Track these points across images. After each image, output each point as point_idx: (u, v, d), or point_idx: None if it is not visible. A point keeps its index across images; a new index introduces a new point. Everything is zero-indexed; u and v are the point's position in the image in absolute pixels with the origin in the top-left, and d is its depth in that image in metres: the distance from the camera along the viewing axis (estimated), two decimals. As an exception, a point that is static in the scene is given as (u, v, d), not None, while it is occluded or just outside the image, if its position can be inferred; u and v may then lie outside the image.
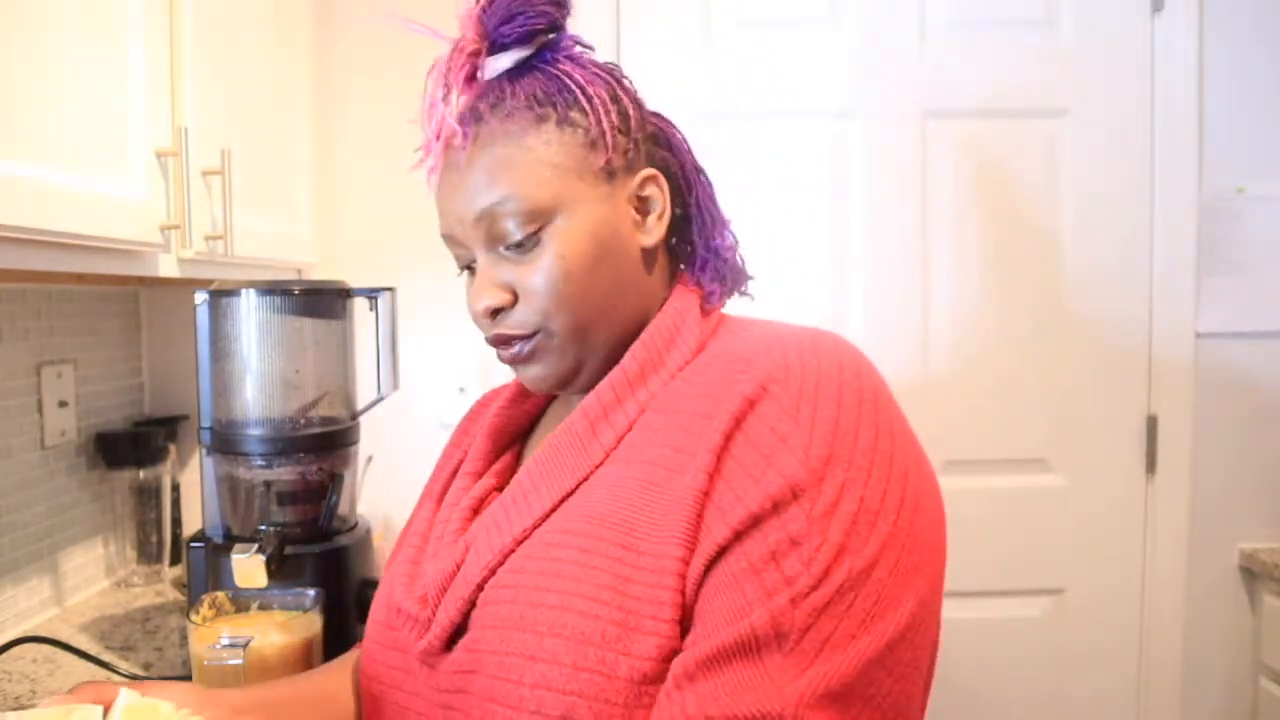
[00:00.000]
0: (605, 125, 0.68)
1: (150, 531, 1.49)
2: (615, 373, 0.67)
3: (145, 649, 1.21)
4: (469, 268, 0.73)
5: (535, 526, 0.63)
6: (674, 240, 0.75)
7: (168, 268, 1.06)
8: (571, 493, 0.64)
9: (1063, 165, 1.77)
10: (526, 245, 0.67)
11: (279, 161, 1.42)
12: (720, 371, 0.62)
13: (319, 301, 1.05)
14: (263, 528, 0.96)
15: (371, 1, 1.71)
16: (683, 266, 0.75)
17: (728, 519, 0.56)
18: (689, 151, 0.77)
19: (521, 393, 0.79)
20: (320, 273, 1.63)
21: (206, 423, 1.01)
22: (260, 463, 0.99)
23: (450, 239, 0.72)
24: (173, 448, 1.54)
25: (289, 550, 0.96)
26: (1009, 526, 1.80)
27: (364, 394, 1.11)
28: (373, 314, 1.09)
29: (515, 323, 0.68)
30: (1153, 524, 1.80)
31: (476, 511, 0.72)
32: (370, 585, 1.03)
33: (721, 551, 0.56)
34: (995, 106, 1.75)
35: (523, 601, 0.59)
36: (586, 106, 0.68)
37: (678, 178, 0.75)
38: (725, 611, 0.55)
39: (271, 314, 1.00)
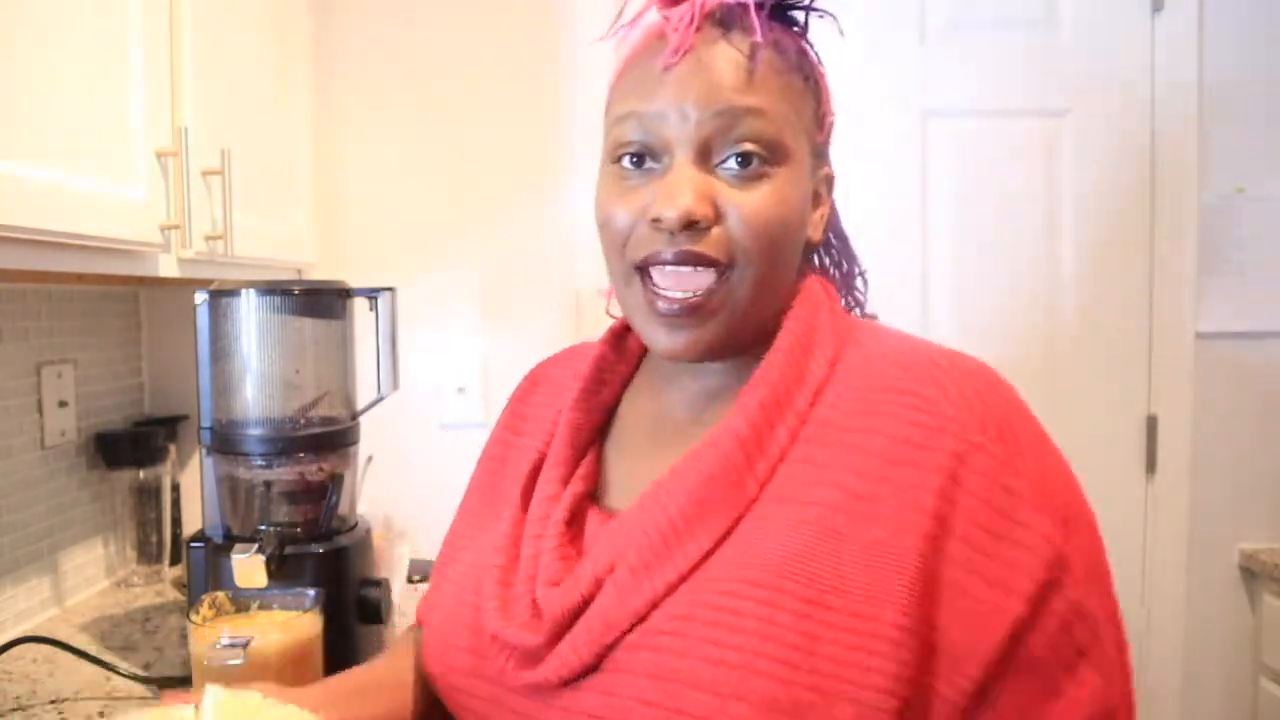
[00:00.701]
0: (826, 110, 0.66)
1: (150, 531, 1.49)
2: (763, 393, 0.59)
3: (145, 649, 1.21)
4: (637, 158, 0.61)
5: (692, 570, 0.55)
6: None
7: (168, 268, 1.06)
8: (730, 532, 0.56)
9: (1063, 165, 1.77)
10: (747, 172, 0.59)
11: (279, 161, 1.42)
12: (880, 399, 0.57)
13: (319, 301, 1.05)
14: (263, 528, 0.96)
15: (372, 1, 1.71)
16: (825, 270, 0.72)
17: (1008, 589, 0.51)
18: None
19: (594, 385, 0.70)
20: (320, 273, 1.63)
21: (206, 423, 1.01)
22: (260, 463, 0.99)
23: (652, 119, 0.60)
24: (173, 448, 1.54)
25: (289, 550, 0.96)
26: (1009, 526, 1.80)
27: (364, 394, 1.11)
28: (373, 314, 1.09)
29: (714, 243, 0.58)
30: (1153, 524, 1.80)
31: (570, 524, 0.64)
32: (371, 585, 1.03)
33: (1020, 627, 0.51)
34: (995, 106, 1.75)
35: (694, 656, 0.52)
36: (822, 85, 0.65)
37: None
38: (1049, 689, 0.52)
39: (271, 314, 1.00)
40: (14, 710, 1.02)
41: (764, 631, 0.51)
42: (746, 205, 0.58)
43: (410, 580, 1.48)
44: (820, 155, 0.66)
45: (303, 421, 1.03)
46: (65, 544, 1.38)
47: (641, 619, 0.55)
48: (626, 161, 0.61)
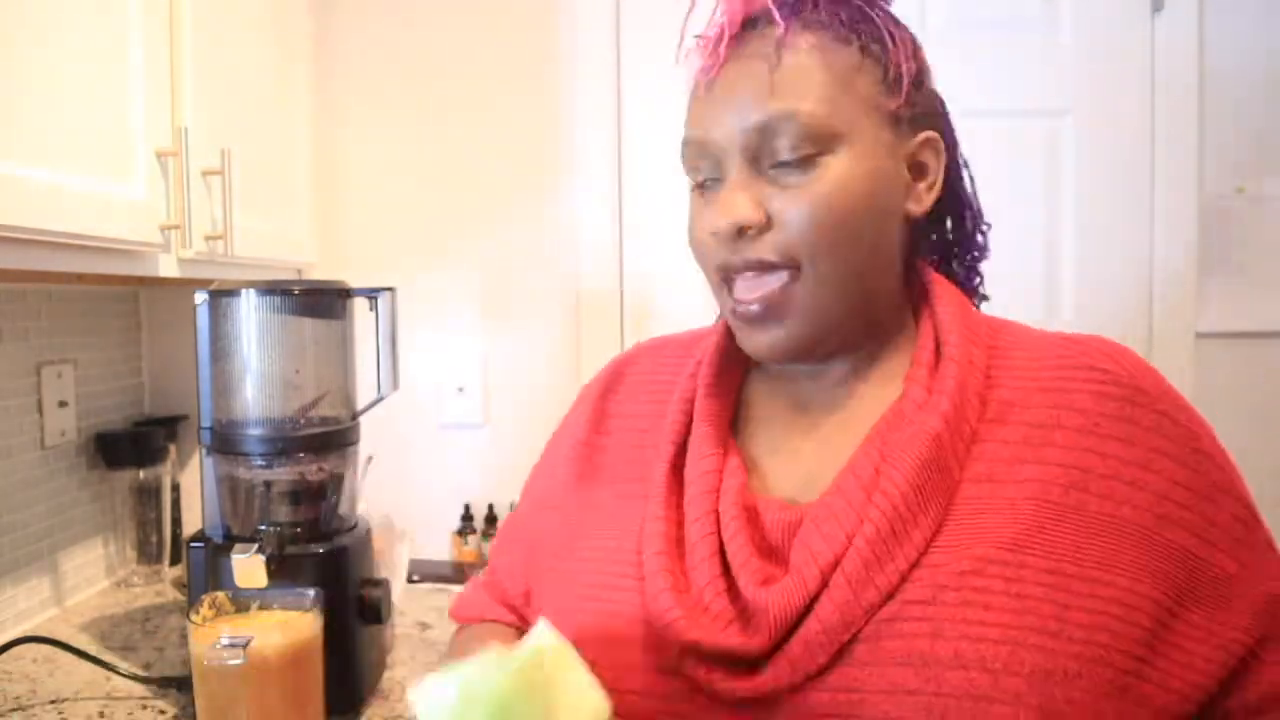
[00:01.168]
0: (905, 69, 0.62)
1: (150, 531, 1.49)
2: (952, 379, 0.59)
3: (145, 649, 1.21)
4: (701, 186, 0.63)
5: (921, 556, 0.54)
6: (938, 230, 0.69)
7: (168, 268, 1.06)
8: (947, 515, 0.56)
9: (1063, 165, 1.77)
10: (799, 168, 0.58)
11: (279, 161, 1.42)
12: (1059, 377, 0.60)
13: (319, 301, 1.04)
14: (263, 528, 0.96)
15: (372, 1, 1.71)
16: (930, 257, 0.68)
17: (1214, 544, 0.55)
18: (955, 141, 0.70)
19: (719, 377, 0.68)
20: (320, 273, 1.63)
21: (206, 423, 1.00)
22: (260, 463, 0.99)
23: (700, 144, 0.62)
24: (173, 448, 1.54)
25: (289, 550, 0.96)
26: (1009, 526, 1.80)
27: (364, 394, 1.11)
28: (373, 314, 1.09)
29: (769, 246, 0.59)
30: (1153, 524, 1.80)
31: (750, 519, 0.60)
32: (371, 585, 1.03)
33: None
34: (995, 106, 1.75)
35: (950, 636, 0.51)
36: (890, 43, 0.62)
37: (956, 168, 0.69)
38: None
39: (271, 314, 1.00)
40: (14, 710, 1.02)
41: (1017, 605, 0.51)
42: (795, 209, 0.58)
43: (410, 580, 1.48)
44: (905, 121, 0.63)
45: (303, 421, 1.03)
46: (65, 544, 1.38)
47: (875, 610, 0.54)
48: (693, 186, 0.64)
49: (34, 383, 1.32)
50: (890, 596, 0.54)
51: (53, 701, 1.04)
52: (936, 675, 0.51)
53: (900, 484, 0.55)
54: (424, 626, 1.31)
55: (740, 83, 0.60)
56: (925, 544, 0.55)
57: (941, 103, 0.70)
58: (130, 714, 1.01)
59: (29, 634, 1.17)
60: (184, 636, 1.20)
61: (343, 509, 1.05)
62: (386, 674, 1.12)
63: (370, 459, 1.20)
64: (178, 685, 1.06)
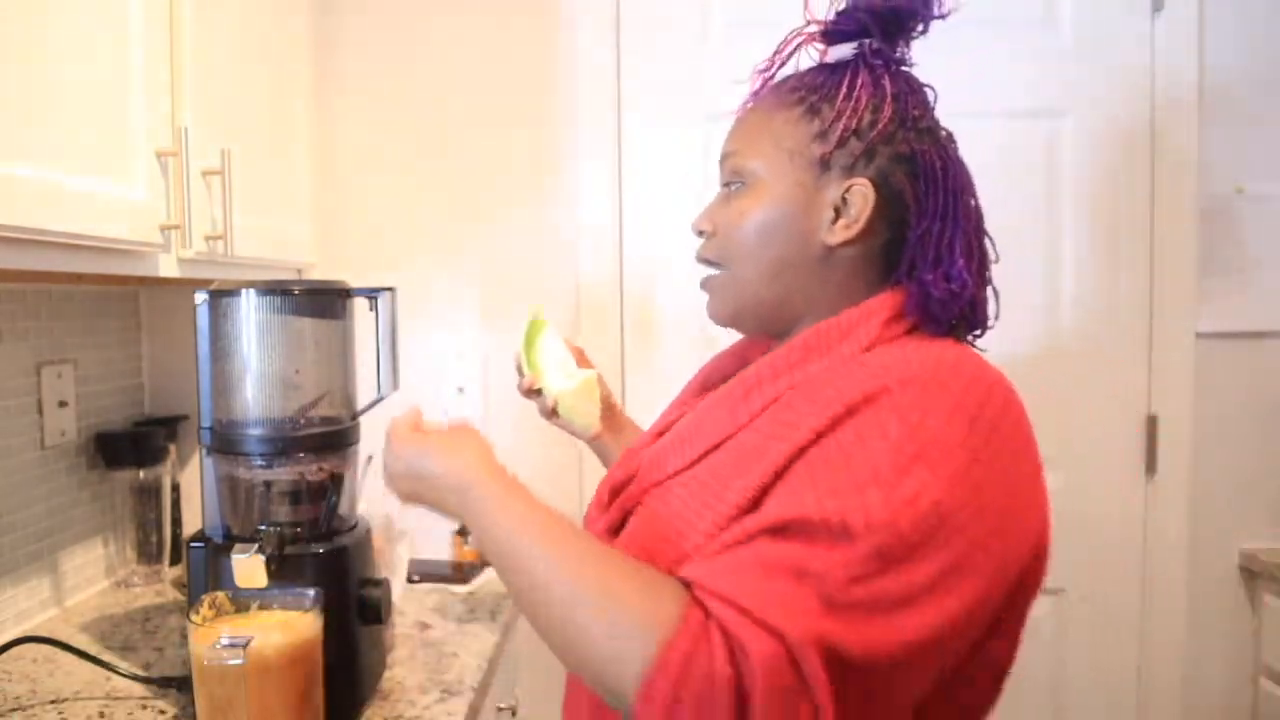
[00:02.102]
0: (842, 124, 0.76)
1: (150, 531, 1.49)
2: (780, 351, 0.76)
3: (145, 649, 1.21)
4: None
5: (681, 471, 0.74)
6: (900, 260, 0.78)
7: (168, 268, 1.06)
8: (714, 449, 0.73)
9: (1063, 165, 1.77)
10: (735, 194, 0.80)
11: (279, 161, 1.42)
12: (862, 371, 0.68)
13: (319, 301, 1.04)
14: (263, 528, 0.96)
15: (372, 1, 1.71)
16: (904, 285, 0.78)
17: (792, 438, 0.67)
18: (946, 192, 0.78)
19: (738, 347, 0.94)
20: (320, 273, 1.63)
21: (206, 423, 1.00)
22: (260, 463, 0.99)
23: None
24: (173, 448, 1.54)
25: (289, 550, 0.96)
26: (1009, 526, 1.80)
27: (364, 394, 1.11)
28: (373, 314, 1.09)
29: (707, 251, 0.83)
30: (1153, 524, 1.80)
31: (655, 442, 0.83)
32: (371, 585, 1.03)
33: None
34: (995, 106, 1.75)
35: (671, 510, 0.73)
36: (839, 103, 0.76)
37: (908, 206, 0.77)
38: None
39: (271, 314, 1.00)
40: (14, 710, 1.02)
41: (708, 514, 0.69)
42: (725, 220, 0.81)
43: (410, 580, 1.48)
44: (843, 169, 0.76)
45: (303, 421, 1.03)
46: (65, 544, 1.38)
47: (645, 493, 0.77)
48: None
49: (34, 383, 1.32)
50: (659, 485, 0.76)
51: (53, 701, 1.04)
52: (658, 529, 0.72)
53: (694, 414, 0.80)
54: (424, 626, 1.31)
55: (730, 130, 0.84)
56: (690, 464, 0.74)
57: (921, 156, 0.78)
58: (130, 714, 1.01)
59: (29, 634, 1.17)
60: (184, 636, 1.20)
61: (343, 509, 1.05)
62: (386, 674, 1.12)
63: (370, 459, 1.20)
64: (178, 685, 1.06)
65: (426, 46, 1.71)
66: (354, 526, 1.06)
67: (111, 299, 1.53)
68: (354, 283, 1.09)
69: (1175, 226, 1.76)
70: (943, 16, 0.85)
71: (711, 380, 0.91)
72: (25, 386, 1.30)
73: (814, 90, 0.77)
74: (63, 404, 1.37)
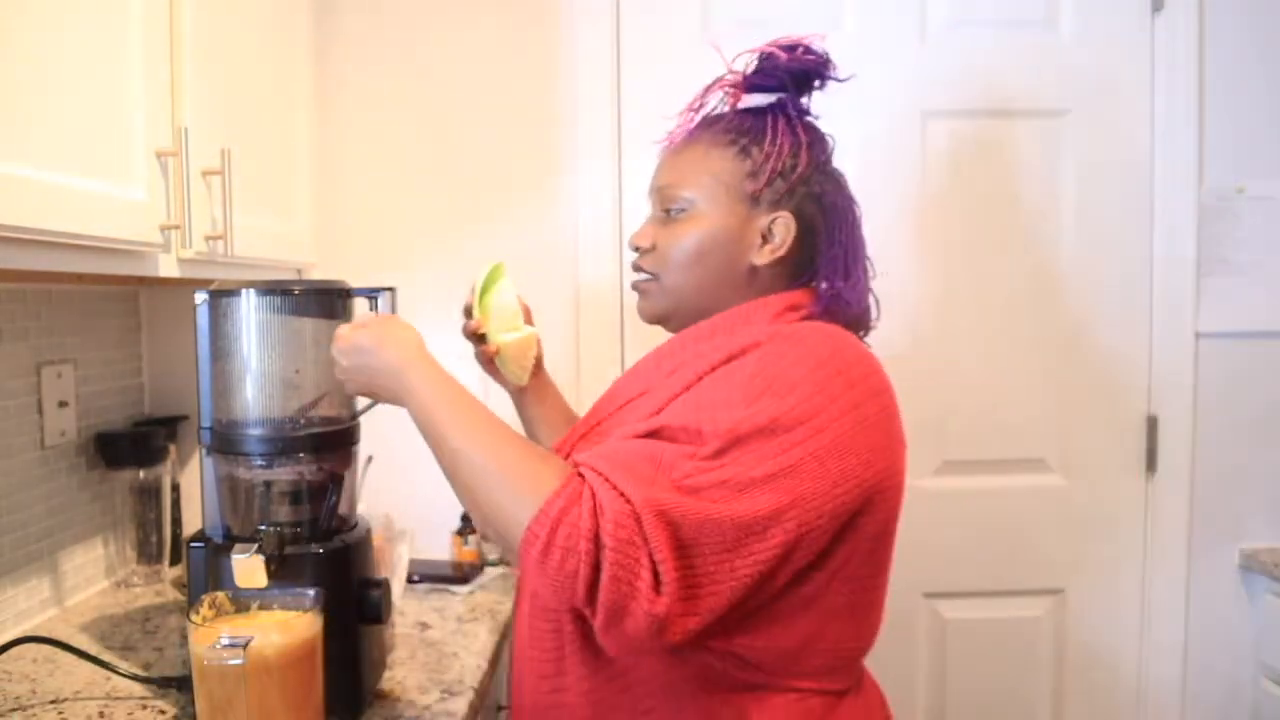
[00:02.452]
0: (769, 166, 0.91)
1: (150, 531, 1.49)
2: (689, 330, 0.94)
3: (145, 649, 1.21)
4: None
5: (600, 422, 0.94)
6: (806, 279, 0.94)
7: (168, 268, 1.06)
8: (627, 403, 0.92)
9: (1063, 165, 1.77)
10: (674, 217, 0.94)
11: (279, 161, 1.42)
12: (747, 332, 0.86)
13: (319, 301, 1.04)
14: (263, 528, 0.96)
15: (372, 1, 1.71)
16: (816, 290, 0.94)
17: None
18: (851, 222, 0.97)
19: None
20: (320, 273, 1.62)
21: (206, 423, 1.00)
22: (260, 463, 0.99)
23: (649, 193, 1.00)
24: (173, 448, 1.54)
25: (289, 550, 0.96)
26: (1009, 526, 1.80)
27: (364, 394, 1.10)
28: (373, 314, 1.09)
29: (646, 263, 0.97)
30: (1153, 524, 1.80)
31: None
32: (371, 585, 1.03)
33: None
34: (995, 106, 1.75)
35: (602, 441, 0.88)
36: (767, 148, 0.92)
37: (819, 234, 0.94)
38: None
39: (271, 314, 1.00)
40: (14, 710, 1.02)
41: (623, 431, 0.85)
42: (664, 241, 0.95)
43: (410, 580, 1.48)
44: (764, 201, 0.92)
45: (303, 421, 1.03)
46: (65, 544, 1.38)
47: (580, 440, 0.94)
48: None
49: (34, 383, 1.32)
50: (596, 426, 0.93)
51: (53, 701, 1.04)
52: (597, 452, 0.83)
53: (620, 381, 0.99)
54: (424, 626, 1.31)
55: (665, 160, 0.99)
56: (618, 408, 0.93)
57: (831, 195, 0.95)
58: (130, 714, 1.01)
59: (29, 634, 1.17)
60: (184, 636, 1.20)
61: (343, 509, 1.05)
62: (386, 674, 1.12)
63: (370, 459, 1.20)
64: (178, 685, 1.06)
65: (427, 46, 1.71)
66: (354, 526, 1.06)
67: (111, 299, 1.53)
68: (354, 283, 1.09)
69: (1175, 226, 1.76)
70: (841, 80, 0.98)
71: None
72: (25, 386, 1.30)
73: (744, 134, 0.93)
74: (63, 404, 1.37)
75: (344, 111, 1.70)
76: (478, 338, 1.09)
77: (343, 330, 0.92)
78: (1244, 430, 1.79)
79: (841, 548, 0.82)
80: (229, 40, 1.21)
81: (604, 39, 1.71)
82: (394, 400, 0.88)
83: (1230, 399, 1.78)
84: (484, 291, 1.08)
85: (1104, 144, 1.76)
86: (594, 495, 0.73)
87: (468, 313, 1.09)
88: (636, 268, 0.98)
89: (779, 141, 0.92)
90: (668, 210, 0.95)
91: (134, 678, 1.08)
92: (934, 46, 1.75)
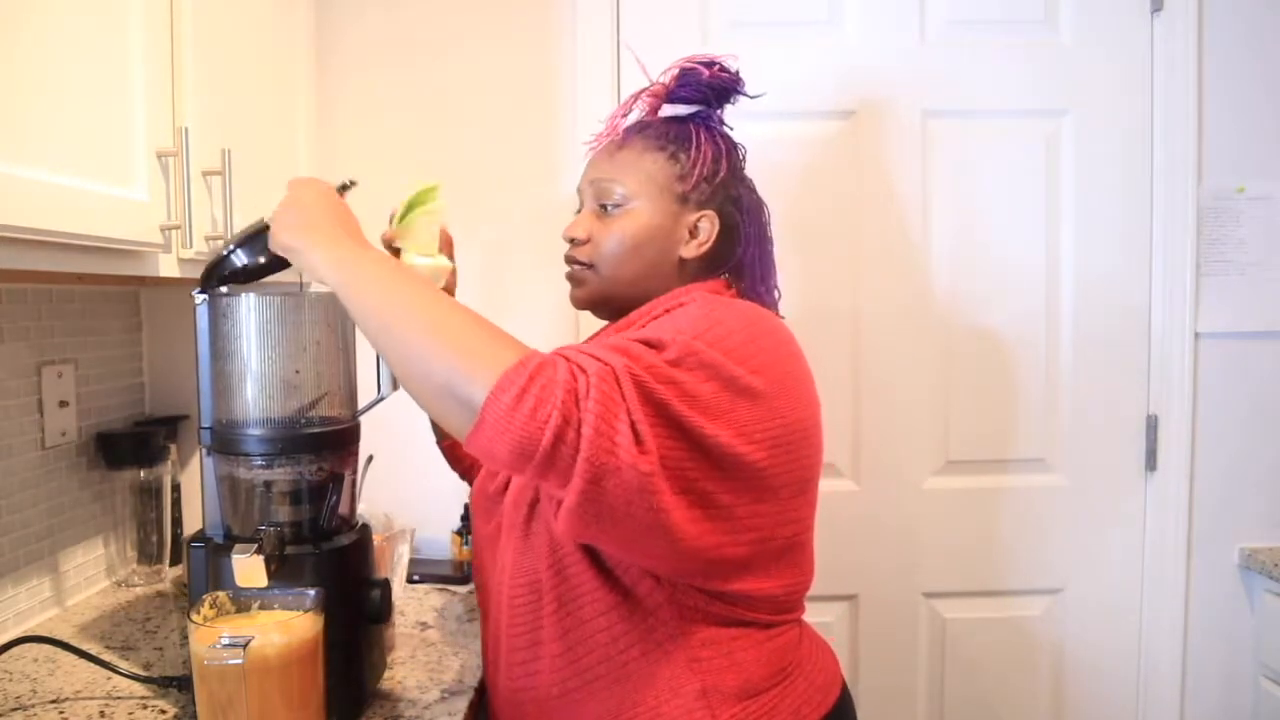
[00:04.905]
0: (697, 170, 1.02)
1: (151, 531, 1.49)
2: (622, 319, 1.03)
3: (145, 649, 1.21)
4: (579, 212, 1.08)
5: None
6: (726, 274, 1.06)
7: (168, 268, 1.06)
8: None
9: (1063, 165, 1.77)
10: (610, 211, 1.03)
11: (279, 161, 1.42)
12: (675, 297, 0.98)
13: (319, 302, 1.04)
14: (263, 528, 0.96)
15: (371, 1, 1.71)
16: (731, 284, 1.06)
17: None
18: (763, 223, 1.08)
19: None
20: (320, 273, 1.62)
21: (206, 423, 1.00)
22: (260, 463, 0.99)
23: (580, 189, 1.08)
24: (173, 448, 1.54)
25: (289, 550, 0.96)
26: (1009, 526, 1.80)
27: (364, 394, 1.11)
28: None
29: (582, 253, 1.05)
30: (1153, 524, 1.80)
31: None
32: (371, 585, 1.03)
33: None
34: (995, 106, 1.75)
35: None
36: (694, 154, 1.02)
37: (737, 233, 1.05)
38: None
39: (271, 314, 1.00)
40: (14, 710, 1.02)
41: None
42: (601, 234, 1.04)
43: (410, 580, 1.48)
44: (691, 201, 1.02)
45: (303, 421, 1.03)
46: (65, 544, 1.39)
47: None
48: (578, 210, 1.09)
49: (34, 383, 1.32)
50: None
51: (53, 701, 1.04)
52: (524, 488, 0.97)
53: None
54: (424, 626, 1.31)
55: (599, 160, 1.07)
56: None
57: (747, 199, 1.06)
58: (130, 714, 1.01)
59: (29, 634, 1.17)
60: (184, 636, 1.20)
61: (343, 509, 1.05)
62: (387, 674, 1.12)
63: (370, 459, 1.20)
64: (178, 685, 1.06)
65: (427, 47, 1.71)
66: (354, 526, 1.06)
67: (111, 299, 1.53)
68: (354, 283, 1.09)
69: (1175, 227, 1.76)
70: (752, 97, 1.09)
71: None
72: (26, 386, 1.30)
73: (672, 140, 1.03)
74: (63, 404, 1.37)
75: (344, 112, 1.70)
76: (393, 251, 1.06)
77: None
78: (1244, 430, 1.79)
79: (785, 491, 0.89)
80: (229, 40, 1.21)
81: (604, 40, 1.71)
82: (313, 260, 0.88)
83: (1230, 399, 1.78)
84: (410, 206, 1.04)
85: (1104, 144, 1.76)
86: (569, 360, 0.75)
87: (391, 220, 1.08)
88: (571, 259, 1.06)
89: (704, 148, 1.02)
90: (604, 205, 1.03)
91: (134, 677, 1.08)
92: (934, 46, 1.75)
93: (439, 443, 1.27)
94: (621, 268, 1.03)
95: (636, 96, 1.10)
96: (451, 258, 1.13)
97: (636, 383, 0.75)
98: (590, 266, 1.04)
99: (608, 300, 1.05)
